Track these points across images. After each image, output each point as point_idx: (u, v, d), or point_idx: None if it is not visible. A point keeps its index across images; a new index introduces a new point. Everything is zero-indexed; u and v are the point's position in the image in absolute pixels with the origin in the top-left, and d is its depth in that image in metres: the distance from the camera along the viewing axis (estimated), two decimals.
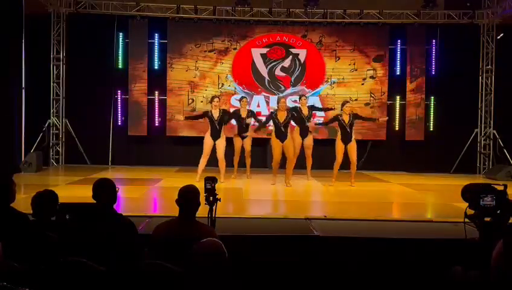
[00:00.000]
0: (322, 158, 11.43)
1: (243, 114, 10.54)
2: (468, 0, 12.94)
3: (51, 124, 12.89)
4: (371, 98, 13.20)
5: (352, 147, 9.99)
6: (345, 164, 10.24)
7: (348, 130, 9.90)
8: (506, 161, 12.38)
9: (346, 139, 9.93)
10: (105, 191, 3.74)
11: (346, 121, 9.90)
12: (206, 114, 10.02)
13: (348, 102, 10.37)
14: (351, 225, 6.25)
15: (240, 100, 11.06)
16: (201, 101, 13.02)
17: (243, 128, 10.59)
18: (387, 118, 11.65)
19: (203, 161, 10.00)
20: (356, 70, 13.26)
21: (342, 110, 10.07)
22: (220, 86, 13.14)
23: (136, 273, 2.90)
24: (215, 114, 9.92)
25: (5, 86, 10.91)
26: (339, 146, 9.96)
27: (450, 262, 3.67)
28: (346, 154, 10.04)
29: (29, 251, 3.39)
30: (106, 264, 2.98)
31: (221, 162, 9.99)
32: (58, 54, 13.01)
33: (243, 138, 10.59)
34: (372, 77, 13.24)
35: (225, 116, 10.04)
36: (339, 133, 10.02)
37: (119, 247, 3.47)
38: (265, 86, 13.19)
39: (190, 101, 13.10)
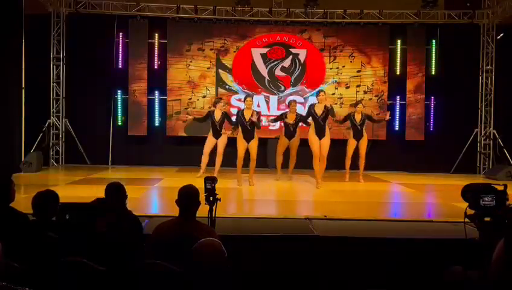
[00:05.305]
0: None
1: (247, 114, 10.48)
2: (468, 0, 12.94)
3: (51, 124, 12.89)
4: (371, 98, 13.20)
5: (363, 142, 10.63)
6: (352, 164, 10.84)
7: (359, 128, 10.57)
8: (506, 161, 12.38)
9: (357, 137, 10.60)
10: (119, 192, 4.17)
11: (358, 120, 10.54)
12: (208, 115, 10.35)
13: (360, 102, 10.94)
14: (351, 225, 6.25)
15: (244, 100, 10.89)
16: (197, 107, 13.04)
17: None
18: (390, 117, 11.46)
19: (204, 160, 10.48)
20: (356, 70, 13.26)
21: (355, 108, 10.66)
22: (220, 86, 13.15)
23: (136, 273, 2.90)
24: (217, 116, 10.19)
25: (5, 86, 10.90)
26: (351, 143, 10.65)
27: (450, 262, 3.67)
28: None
29: (29, 251, 3.38)
30: (106, 264, 2.98)
31: (219, 156, 10.28)
32: (58, 54, 13.01)
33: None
34: (372, 77, 13.25)
35: (225, 118, 10.30)
36: (351, 131, 10.69)
37: (128, 245, 3.62)
38: (266, 86, 13.19)
39: (190, 101, 13.13)
